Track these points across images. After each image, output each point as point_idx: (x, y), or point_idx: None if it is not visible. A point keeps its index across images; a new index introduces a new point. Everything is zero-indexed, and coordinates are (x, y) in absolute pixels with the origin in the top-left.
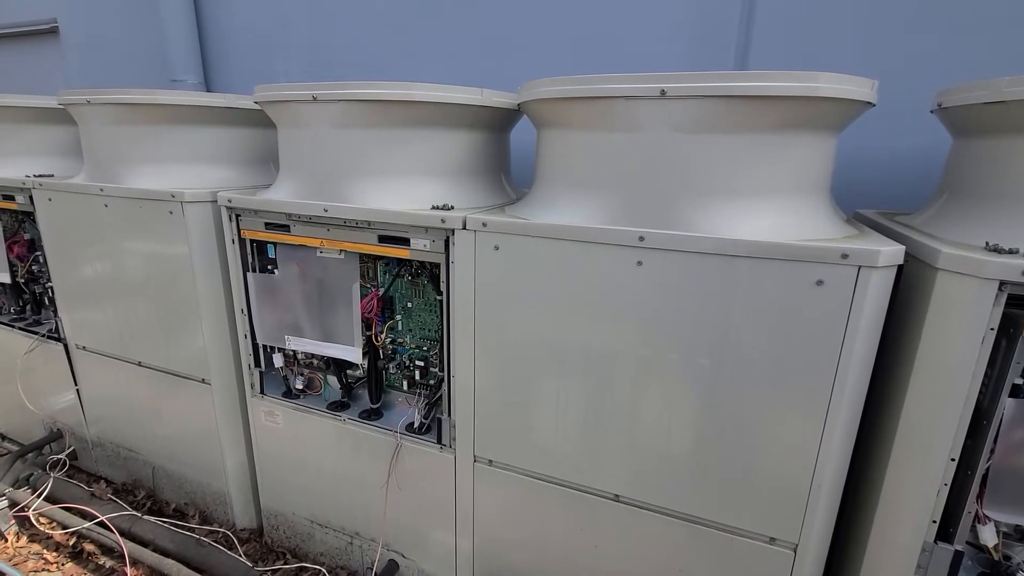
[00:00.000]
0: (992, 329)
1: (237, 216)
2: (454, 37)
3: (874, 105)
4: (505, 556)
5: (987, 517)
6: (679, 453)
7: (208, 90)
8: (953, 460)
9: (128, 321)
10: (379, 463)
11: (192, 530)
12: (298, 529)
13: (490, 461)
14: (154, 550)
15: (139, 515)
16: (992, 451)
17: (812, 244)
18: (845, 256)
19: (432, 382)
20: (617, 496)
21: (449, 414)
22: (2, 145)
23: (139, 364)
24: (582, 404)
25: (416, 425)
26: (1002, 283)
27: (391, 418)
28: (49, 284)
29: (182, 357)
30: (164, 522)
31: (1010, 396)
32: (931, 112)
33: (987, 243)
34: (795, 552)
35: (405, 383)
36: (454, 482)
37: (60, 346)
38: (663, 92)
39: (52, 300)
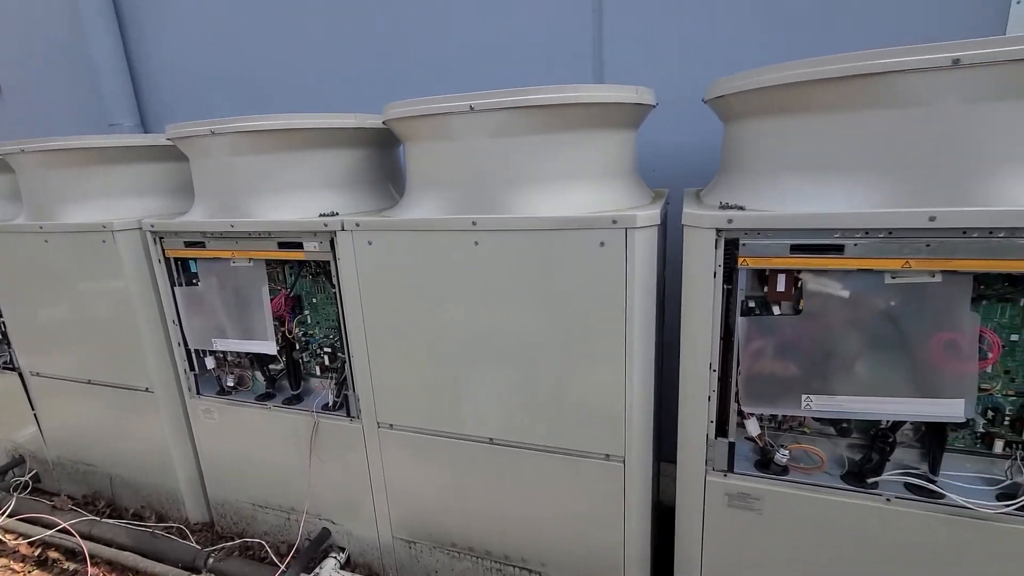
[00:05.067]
0: (720, 266)
1: (160, 238)
2: (369, 59)
3: (654, 106)
4: (417, 508)
5: (749, 413)
6: (528, 398)
7: (146, 129)
8: (714, 370)
9: (75, 344)
10: (304, 442)
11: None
12: (243, 513)
13: (391, 425)
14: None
15: (98, 519)
16: (738, 361)
17: (593, 215)
18: (615, 222)
19: (339, 365)
20: (491, 439)
21: (353, 390)
22: None
23: (88, 382)
24: (450, 366)
25: (330, 404)
26: (718, 231)
27: (311, 401)
28: (1, 319)
29: (126, 370)
30: (121, 522)
31: (741, 315)
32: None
33: (720, 202)
34: (624, 464)
35: (318, 369)
36: (364, 448)
37: (15, 375)
38: (471, 107)
39: (4, 333)
